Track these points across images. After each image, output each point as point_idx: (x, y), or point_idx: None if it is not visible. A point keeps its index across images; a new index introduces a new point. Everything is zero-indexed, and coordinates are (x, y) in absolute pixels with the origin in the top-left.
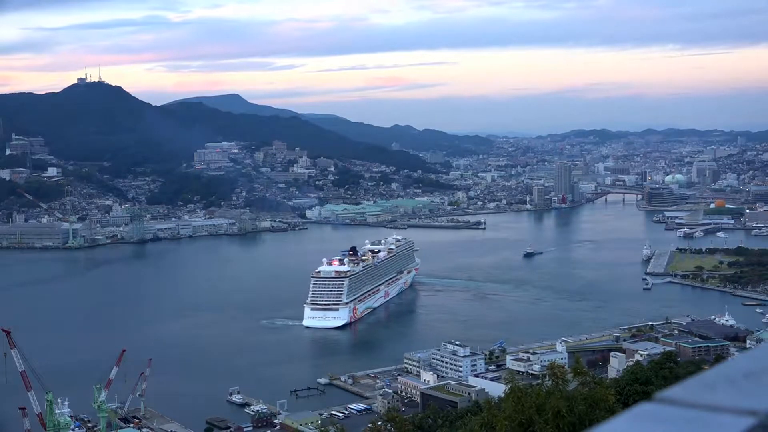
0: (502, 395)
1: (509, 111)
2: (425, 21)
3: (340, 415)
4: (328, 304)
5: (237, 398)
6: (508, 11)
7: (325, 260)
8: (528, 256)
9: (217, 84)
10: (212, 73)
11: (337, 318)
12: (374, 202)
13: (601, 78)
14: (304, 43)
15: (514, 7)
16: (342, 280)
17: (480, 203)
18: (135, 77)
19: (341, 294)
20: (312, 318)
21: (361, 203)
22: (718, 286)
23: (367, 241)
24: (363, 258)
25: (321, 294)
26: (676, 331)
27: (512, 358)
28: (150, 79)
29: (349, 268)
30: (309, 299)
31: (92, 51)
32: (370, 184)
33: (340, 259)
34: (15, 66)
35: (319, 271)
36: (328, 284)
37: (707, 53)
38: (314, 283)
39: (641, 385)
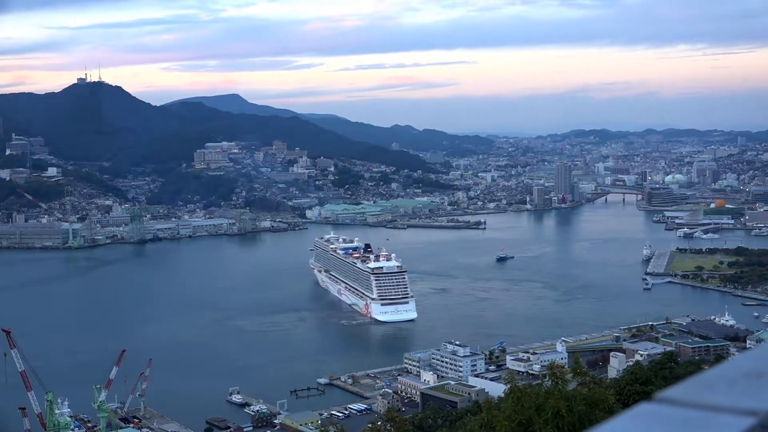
0: (502, 395)
1: (519, 111)
2: (454, 20)
3: (340, 415)
4: (397, 298)
5: (237, 398)
6: (539, 10)
7: (372, 256)
8: (501, 260)
9: (230, 83)
10: (226, 72)
11: (410, 311)
12: (374, 202)
13: (616, 77)
14: (329, 41)
15: (547, 5)
16: (403, 274)
17: (480, 203)
18: (138, 77)
19: (407, 287)
20: (384, 313)
21: (361, 203)
22: (718, 286)
23: (334, 238)
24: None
25: (388, 289)
26: (676, 331)
27: (512, 358)
28: (160, 79)
29: (400, 263)
30: (376, 295)
31: (113, 50)
32: (370, 184)
33: (386, 255)
34: (33, 65)
35: (381, 267)
36: (393, 279)
37: (725, 53)
38: (377, 279)
39: (641, 385)
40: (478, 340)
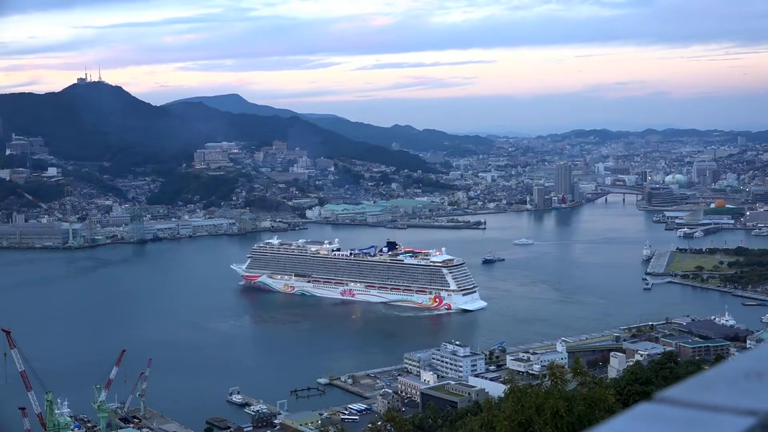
0: (502, 395)
1: (531, 111)
2: (482, 19)
3: (346, 412)
4: (470, 288)
5: (237, 398)
6: (572, 8)
7: (432, 251)
8: (487, 262)
9: (243, 82)
10: (241, 72)
11: (479, 299)
12: (374, 202)
13: (632, 77)
14: (353, 40)
15: (581, 4)
16: (465, 265)
17: (480, 203)
18: (153, 76)
19: (472, 278)
20: (466, 303)
21: (361, 203)
22: (718, 286)
23: (303, 240)
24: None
25: (462, 280)
26: (676, 331)
27: (512, 358)
28: (174, 79)
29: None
30: (455, 287)
31: (133, 50)
32: (370, 184)
33: (439, 251)
34: (51, 64)
35: (451, 260)
36: (463, 271)
37: (749, 52)
38: (451, 272)
39: (641, 385)
40: (480, 339)
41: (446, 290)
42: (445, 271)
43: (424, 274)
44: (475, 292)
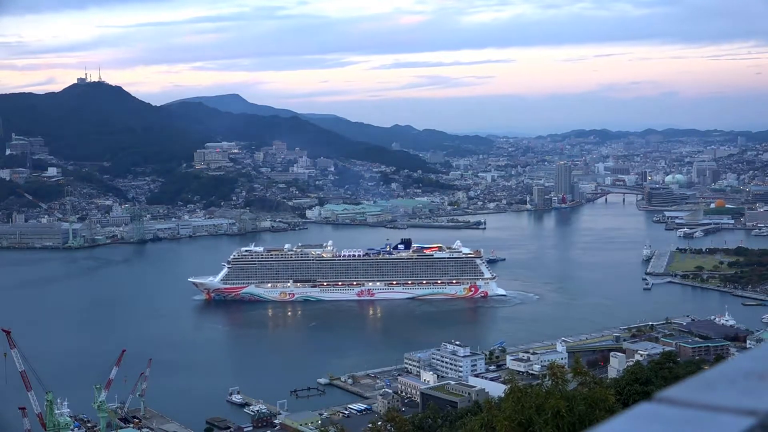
0: (502, 395)
1: (541, 110)
2: (510, 18)
3: (340, 415)
4: (494, 277)
5: (237, 398)
6: (603, 6)
7: (456, 244)
8: (490, 262)
9: (257, 81)
10: (255, 72)
11: (500, 288)
12: (374, 202)
13: (644, 76)
14: (377, 39)
15: (613, 2)
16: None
17: (480, 203)
18: (168, 76)
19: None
20: (499, 288)
21: (361, 203)
22: (718, 286)
23: (289, 245)
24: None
25: (491, 271)
26: (676, 331)
27: (512, 358)
28: (186, 78)
29: None
30: (490, 275)
31: (155, 49)
32: (370, 184)
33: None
34: (68, 63)
35: (479, 251)
36: (488, 264)
37: None
38: (483, 262)
39: (641, 385)
40: (480, 339)
41: (481, 279)
42: (478, 261)
43: (456, 266)
44: (494, 282)
